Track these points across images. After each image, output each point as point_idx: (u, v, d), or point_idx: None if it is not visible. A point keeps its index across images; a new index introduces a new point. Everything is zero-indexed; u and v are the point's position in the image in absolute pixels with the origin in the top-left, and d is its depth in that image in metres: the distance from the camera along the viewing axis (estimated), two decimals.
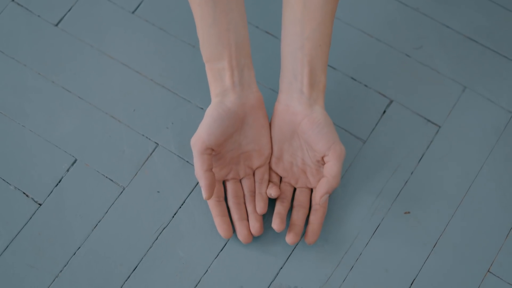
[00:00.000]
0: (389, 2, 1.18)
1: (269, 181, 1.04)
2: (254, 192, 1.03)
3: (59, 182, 1.06)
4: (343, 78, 1.13)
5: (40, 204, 1.04)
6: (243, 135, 1.02)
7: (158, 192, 1.05)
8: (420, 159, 1.09)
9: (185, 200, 1.05)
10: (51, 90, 1.11)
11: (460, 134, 1.11)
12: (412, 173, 1.08)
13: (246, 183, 1.04)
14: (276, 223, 1.00)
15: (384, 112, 1.12)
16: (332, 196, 1.06)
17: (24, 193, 1.05)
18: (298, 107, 1.00)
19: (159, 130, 1.09)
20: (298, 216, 1.02)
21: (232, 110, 0.99)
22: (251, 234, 1.02)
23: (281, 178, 1.05)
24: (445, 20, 1.18)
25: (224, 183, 1.04)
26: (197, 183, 1.06)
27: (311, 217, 1.02)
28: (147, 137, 1.08)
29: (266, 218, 1.05)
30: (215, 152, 1.01)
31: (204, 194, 0.98)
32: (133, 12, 1.16)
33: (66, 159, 1.07)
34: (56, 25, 1.15)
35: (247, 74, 1.00)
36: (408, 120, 1.11)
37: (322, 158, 1.00)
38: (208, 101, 1.09)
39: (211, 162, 0.99)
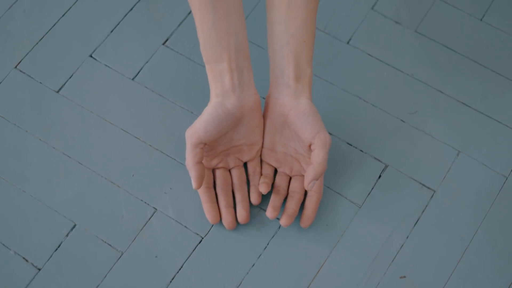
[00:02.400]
0: (384, 69, 1.21)
1: (262, 173, 1.09)
2: (243, 181, 1.09)
3: (58, 247, 1.07)
4: (339, 143, 1.15)
5: (39, 269, 1.05)
6: (236, 132, 1.07)
7: (156, 257, 1.07)
8: (416, 223, 1.10)
9: (182, 265, 1.06)
10: (52, 155, 1.13)
11: (454, 198, 1.12)
12: (407, 237, 1.09)
13: (235, 173, 1.09)
14: (269, 211, 1.06)
15: (380, 176, 1.13)
16: (328, 260, 1.07)
17: (23, 258, 1.06)
18: (286, 99, 1.05)
19: (158, 195, 1.10)
20: (292, 201, 1.07)
21: (232, 112, 1.04)
22: (236, 221, 1.07)
23: (275, 168, 1.10)
24: (439, 86, 1.20)
25: (213, 171, 1.09)
26: (195, 248, 1.07)
27: (306, 203, 1.08)
28: (145, 202, 1.10)
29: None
30: (207, 146, 1.06)
31: (193, 184, 1.04)
32: (133, 79, 1.18)
33: (65, 224, 1.08)
34: (58, 91, 1.17)
35: (246, 76, 1.05)
36: (403, 184, 1.13)
37: (309, 146, 1.05)
38: None
39: (202, 155, 1.05)
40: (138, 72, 1.19)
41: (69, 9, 1.23)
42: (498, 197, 1.12)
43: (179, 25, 1.22)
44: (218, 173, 1.09)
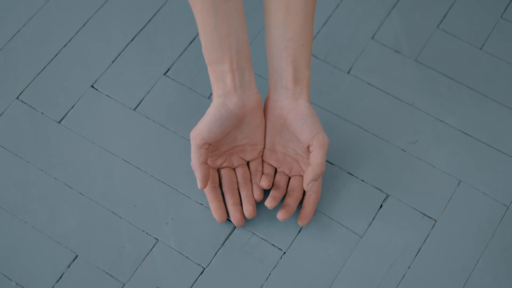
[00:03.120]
0: (385, 98, 1.21)
1: (263, 172, 1.12)
2: (247, 179, 1.11)
3: (60, 278, 1.07)
4: (340, 173, 1.15)
5: None
6: (239, 131, 1.09)
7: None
8: (417, 253, 1.10)
9: None
10: (53, 186, 1.13)
11: (456, 228, 1.12)
12: (409, 267, 1.09)
13: (239, 172, 1.12)
14: (269, 201, 1.08)
15: (381, 206, 1.13)
16: None
17: None
18: (284, 101, 1.07)
19: (159, 225, 1.10)
20: (291, 198, 1.10)
21: (234, 112, 1.06)
22: (244, 218, 1.09)
23: (276, 168, 1.12)
24: (439, 115, 1.20)
25: (218, 171, 1.12)
26: (197, 278, 1.07)
27: (305, 202, 1.10)
28: (147, 233, 1.10)
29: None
30: (211, 146, 1.08)
31: (199, 184, 1.06)
32: (134, 109, 1.19)
33: (67, 255, 1.08)
34: (59, 122, 1.17)
35: (248, 77, 1.06)
36: (405, 214, 1.13)
37: (308, 147, 1.07)
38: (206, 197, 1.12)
39: (207, 156, 1.07)
40: (140, 103, 1.19)
41: (70, 40, 1.24)
42: (500, 226, 1.12)
43: (180, 55, 1.23)
44: (223, 172, 1.12)
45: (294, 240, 1.10)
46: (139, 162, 1.15)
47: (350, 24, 1.27)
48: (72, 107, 1.18)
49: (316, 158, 1.06)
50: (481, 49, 1.26)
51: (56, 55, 1.22)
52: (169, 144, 1.16)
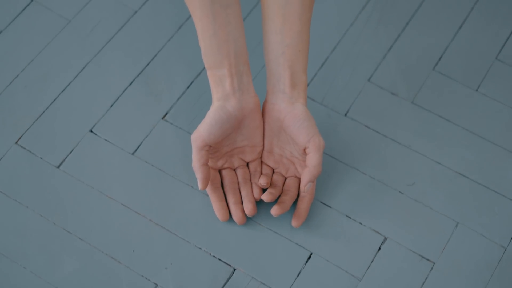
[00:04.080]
0: (382, 140, 1.22)
1: (262, 172, 1.15)
2: (247, 179, 1.14)
3: None
4: (338, 217, 1.15)
5: None
6: (239, 133, 1.13)
7: None
8: None
9: None
10: (52, 231, 1.13)
11: (454, 270, 1.12)
12: None
13: (240, 172, 1.15)
14: (266, 194, 1.12)
15: (379, 249, 1.13)
16: None
17: None
18: (282, 105, 1.11)
19: (158, 270, 1.10)
20: (286, 197, 1.13)
21: (233, 114, 1.10)
22: (245, 216, 1.13)
23: (273, 169, 1.16)
24: (436, 157, 1.21)
25: (220, 172, 1.15)
26: None
27: (299, 203, 1.13)
28: (146, 278, 1.10)
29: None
30: (212, 148, 1.12)
31: (199, 185, 1.10)
32: (132, 153, 1.19)
33: None
34: (58, 167, 1.18)
35: (246, 80, 1.10)
36: (403, 257, 1.13)
37: (304, 150, 1.10)
38: (206, 242, 1.12)
39: (208, 157, 1.10)
40: (138, 147, 1.19)
41: (69, 84, 1.24)
42: (498, 268, 1.13)
43: (178, 99, 1.24)
44: (225, 172, 1.15)
45: (293, 283, 1.10)
46: (138, 207, 1.15)
47: (347, 67, 1.28)
48: (70, 152, 1.19)
49: (313, 160, 1.10)
50: (476, 90, 1.27)
51: (54, 99, 1.23)
52: (167, 188, 1.16)
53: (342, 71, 1.27)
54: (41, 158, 1.18)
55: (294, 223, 1.12)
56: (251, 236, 1.13)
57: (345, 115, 1.24)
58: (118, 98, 1.23)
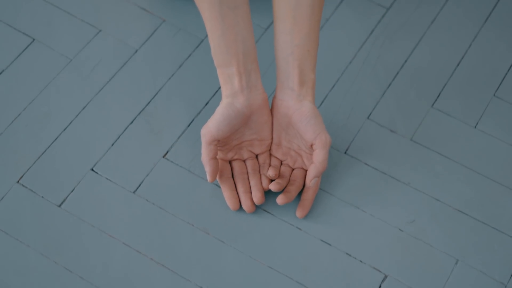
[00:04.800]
0: (381, 178, 1.22)
1: (270, 164, 1.19)
2: (256, 170, 1.19)
3: None
4: (338, 254, 1.16)
5: None
6: (247, 128, 1.17)
7: None
8: None
9: None
10: (53, 270, 1.13)
11: None
12: None
13: (249, 163, 1.19)
14: (273, 184, 1.16)
15: (380, 287, 1.14)
16: None
17: None
18: (290, 102, 1.15)
19: None
20: (292, 187, 1.17)
21: (241, 111, 1.14)
22: (254, 205, 1.17)
23: (281, 161, 1.20)
24: (435, 194, 1.21)
25: (230, 163, 1.19)
26: None
27: (303, 195, 1.18)
28: None
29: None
30: (221, 142, 1.16)
31: (208, 177, 1.15)
32: (133, 192, 1.20)
33: None
34: (59, 205, 1.18)
35: (254, 77, 1.14)
36: None
37: (311, 145, 1.15)
38: (208, 281, 1.12)
39: (216, 151, 1.15)
40: (139, 185, 1.20)
41: (70, 123, 1.25)
42: None
43: (178, 137, 1.25)
44: (234, 163, 1.19)
45: None
46: (139, 245, 1.15)
47: (346, 104, 1.29)
48: (72, 191, 1.19)
49: (319, 156, 1.14)
50: (475, 127, 1.28)
51: (56, 138, 1.24)
52: (168, 227, 1.17)
53: (341, 109, 1.28)
54: (42, 197, 1.19)
55: (298, 213, 1.17)
56: (255, 278, 1.14)
57: (345, 152, 1.24)
58: (119, 137, 1.24)
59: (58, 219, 1.17)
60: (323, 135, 1.14)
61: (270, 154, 1.20)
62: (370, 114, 1.28)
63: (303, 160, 1.19)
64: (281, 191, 1.19)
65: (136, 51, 1.33)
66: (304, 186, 1.19)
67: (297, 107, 1.15)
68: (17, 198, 1.19)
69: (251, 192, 1.18)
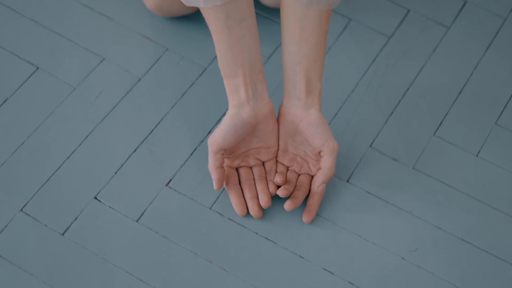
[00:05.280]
0: (383, 206, 1.23)
1: (276, 171, 1.21)
2: (263, 176, 1.21)
3: None
4: (341, 283, 1.16)
5: None
6: (254, 136, 1.19)
7: None
8: None
9: None
10: None
11: None
12: None
13: (256, 170, 1.21)
14: (281, 190, 1.18)
15: None
16: None
17: None
18: (297, 110, 1.17)
19: None
20: (299, 192, 1.20)
21: (247, 121, 1.16)
22: (261, 210, 1.19)
23: (288, 167, 1.22)
24: (438, 222, 1.22)
25: (237, 170, 1.22)
26: None
27: (309, 200, 1.20)
28: None
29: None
30: (227, 150, 1.18)
31: (214, 185, 1.18)
32: (137, 221, 1.20)
33: None
34: (63, 234, 1.18)
35: (260, 88, 1.16)
36: None
37: (319, 152, 1.17)
38: None
39: (223, 160, 1.18)
40: (142, 214, 1.20)
41: (73, 151, 1.26)
42: None
43: (181, 166, 1.25)
44: (241, 170, 1.21)
45: None
46: (142, 274, 1.15)
47: (349, 133, 1.29)
48: (75, 219, 1.20)
49: (327, 162, 1.17)
50: (477, 155, 1.29)
51: (59, 166, 1.24)
52: (171, 255, 1.17)
53: (344, 137, 1.29)
54: (45, 225, 1.19)
55: (305, 218, 1.19)
56: None
57: (347, 181, 1.25)
58: (122, 165, 1.25)
59: (61, 248, 1.17)
60: (330, 142, 1.17)
61: (277, 161, 1.22)
62: (372, 142, 1.29)
63: (309, 166, 1.21)
64: (288, 197, 1.21)
65: (140, 79, 1.34)
66: (310, 191, 1.21)
67: (304, 115, 1.17)
68: (21, 227, 1.19)
69: (258, 198, 1.20)
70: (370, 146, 1.28)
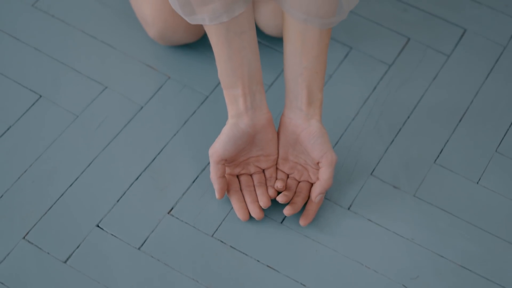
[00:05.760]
0: (384, 234, 1.23)
1: (276, 178, 1.24)
2: (263, 183, 1.24)
3: None
4: None
5: None
6: (253, 145, 1.22)
7: None
8: None
9: None
10: None
11: None
12: None
13: (256, 177, 1.24)
14: (281, 196, 1.21)
15: None
16: None
17: None
18: (298, 120, 1.19)
19: None
20: (298, 198, 1.22)
21: (245, 131, 1.18)
22: (262, 211, 1.22)
23: (288, 175, 1.25)
24: (439, 250, 1.22)
25: (238, 177, 1.24)
26: None
27: (308, 206, 1.23)
28: None
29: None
30: (228, 160, 1.21)
31: (217, 195, 1.21)
32: (139, 248, 1.20)
33: None
34: (65, 262, 1.19)
35: (259, 98, 1.18)
36: None
37: (318, 163, 1.20)
38: None
39: (224, 170, 1.21)
40: (144, 242, 1.21)
41: (76, 179, 1.26)
42: None
43: (183, 194, 1.26)
44: (242, 178, 1.24)
45: None
46: None
47: (350, 161, 1.30)
48: (77, 247, 1.20)
49: (325, 174, 1.19)
50: (477, 183, 1.29)
51: (62, 194, 1.25)
52: (173, 283, 1.17)
53: (345, 165, 1.29)
54: (48, 253, 1.20)
55: (302, 222, 1.21)
56: None
57: (348, 208, 1.25)
58: (124, 193, 1.25)
59: (64, 275, 1.18)
60: (329, 154, 1.19)
61: (277, 168, 1.25)
62: (373, 170, 1.29)
63: (309, 174, 1.23)
64: (288, 203, 1.23)
65: (142, 107, 1.34)
66: (309, 197, 1.23)
67: (305, 126, 1.19)
68: (23, 254, 1.19)
69: (258, 201, 1.22)
70: (371, 173, 1.29)
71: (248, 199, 1.23)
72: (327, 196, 1.26)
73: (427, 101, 1.37)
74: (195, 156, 1.29)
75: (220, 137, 1.20)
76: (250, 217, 1.23)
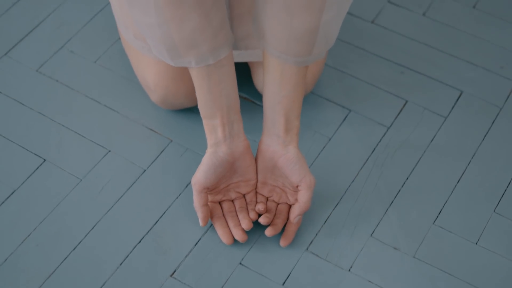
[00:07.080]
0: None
1: (257, 201, 1.29)
2: (244, 207, 1.28)
3: None
4: None
5: None
6: (233, 172, 1.27)
7: None
8: None
9: None
10: None
11: None
12: None
13: (237, 202, 1.29)
14: (263, 218, 1.26)
15: None
16: None
17: None
18: (276, 147, 1.24)
19: None
20: (278, 220, 1.28)
21: (224, 159, 1.23)
22: (245, 234, 1.26)
23: (267, 197, 1.30)
24: None
25: (220, 203, 1.29)
26: None
27: (287, 227, 1.28)
28: None
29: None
30: (210, 188, 1.25)
31: (201, 222, 1.26)
32: None
33: None
34: None
35: (236, 127, 1.23)
36: None
37: (297, 186, 1.25)
38: None
39: (207, 198, 1.26)
40: None
41: (79, 243, 1.28)
42: None
43: (186, 256, 1.27)
44: (224, 204, 1.29)
45: None
46: None
47: (349, 223, 1.31)
48: None
49: (303, 197, 1.24)
50: (476, 243, 1.30)
51: (65, 258, 1.26)
52: None
53: (345, 227, 1.31)
54: None
55: (282, 243, 1.27)
56: None
57: (349, 270, 1.26)
58: (127, 256, 1.26)
59: None
60: (307, 178, 1.24)
61: (256, 192, 1.30)
62: (373, 232, 1.31)
63: (288, 196, 1.29)
64: (269, 225, 1.28)
65: (144, 171, 1.36)
66: (288, 218, 1.29)
67: (283, 152, 1.24)
68: None
69: (240, 225, 1.27)
70: (371, 235, 1.30)
71: (231, 224, 1.27)
72: (328, 258, 1.27)
73: (425, 163, 1.39)
74: (197, 218, 1.31)
75: (200, 167, 1.24)
76: (235, 241, 1.28)
